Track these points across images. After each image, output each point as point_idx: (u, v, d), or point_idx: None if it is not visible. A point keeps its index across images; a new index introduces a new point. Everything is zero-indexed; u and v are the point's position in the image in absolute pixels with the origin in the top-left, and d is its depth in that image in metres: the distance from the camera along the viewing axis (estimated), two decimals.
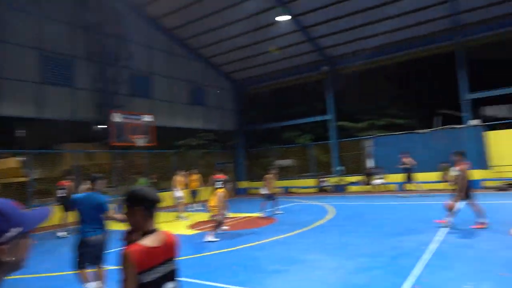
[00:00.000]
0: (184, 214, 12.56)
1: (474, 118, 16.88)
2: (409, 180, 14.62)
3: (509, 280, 4.47)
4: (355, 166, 19.42)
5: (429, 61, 19.04)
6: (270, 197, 11.74)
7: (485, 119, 17.63)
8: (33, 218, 1.16)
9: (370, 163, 18.44)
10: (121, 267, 1.77)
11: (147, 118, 16.47)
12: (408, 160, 14.77)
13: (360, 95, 22.33)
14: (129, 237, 2.02)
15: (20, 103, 13.27)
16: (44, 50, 13.98)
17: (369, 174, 17.16)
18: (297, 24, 17.12)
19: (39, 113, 13.78)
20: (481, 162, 15.75)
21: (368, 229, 8.38)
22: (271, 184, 11.83)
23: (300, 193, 19.43)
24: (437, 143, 16.92)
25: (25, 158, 14.33)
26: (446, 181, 15.33)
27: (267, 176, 11.99)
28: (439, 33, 16.50)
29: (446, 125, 17.32)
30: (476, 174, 15.45)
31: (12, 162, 16.05)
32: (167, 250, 1.93)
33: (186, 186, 13.83)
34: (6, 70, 12.92)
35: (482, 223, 7.68)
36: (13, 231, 1.09)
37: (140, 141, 15.74)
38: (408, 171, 14.56)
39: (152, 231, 1.89)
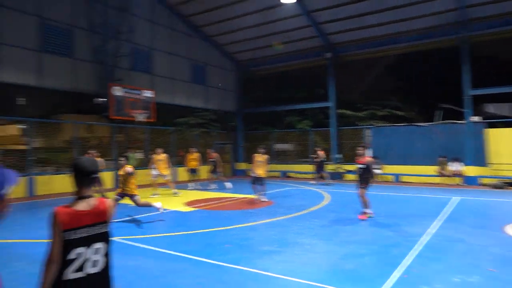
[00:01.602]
0: (158, 191, 12.77)
1: (475, 115, 16.83)
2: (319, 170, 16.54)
3: (497, 276, 4.54)
4: (353, 155, 19.43)
5: (433, 54, 18.86)
6: (256, 180, 10.97)
7: (486, 116, 17.58)
8: (12, 178, 1.27)
9: (368, 153, 18.44)
10: (49, 225, 2.05)
11: (147, 93, 16.38)
12: (321, 153, 16.45)
13: (362, 84, 22.21)
14: None
15: (20, 70, 13.14)
16: (44, 18, 13.77)
17: None
18: (301, 8, 16.83)
19: (39, 82, 13.67)
20: (480, 159, 15.80)
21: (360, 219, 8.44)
22: (257, 166, 10.93)
23: (297, 178, 19.53)
24: (436, 137, 16.94)
25: (25, 126, 14.28)
26: (442, 175, 15.49)
27: (254, 155, 11.12)
28: (444, 26, 16.26)
29: (447, 119, 17.29)
30: (474, 171, 15.57)
31: (13, 129, 16.01)
32: (97, 215, 2.14)
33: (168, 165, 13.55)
34: (5, 35, 12.74)
35: (366, 213, 8.11)
36: (8, 187, 1.21)
37: (140, 116, 15.69)
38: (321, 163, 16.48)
39: (84, 197, 2.14)
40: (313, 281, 4.36)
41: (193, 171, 14.68)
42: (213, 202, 11.02)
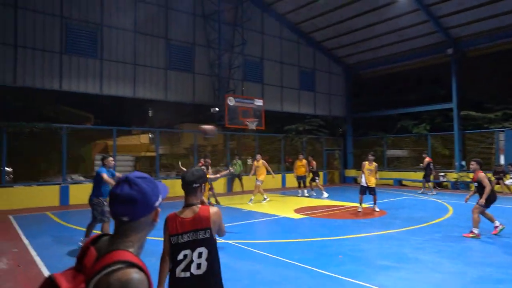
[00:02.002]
0: (255, 197, 12.56)
1: None
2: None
3: None
4: (482, 162, 17.14)
5: None
6: (365, 190, 10.26)
7: None
8: (164, 189, 1.38)
9: (501, 159, 16.10)
10: (163, 229, 2.34)
11: (258, 102, 17.08)
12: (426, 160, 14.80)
13: (492, 81, 19.45)
14: None
15: (151, 87, 15.01)
16: (169, 39, 15.48)
17: (500, 172, 14.99)
18: (417, 2, 15.56)
19: (165, 95, 15.40)
20: None
21: (497, 235, 7.35)
22: (367, 174, 10.23)
23: (413, 186, 18.06)
24: None
25: (153, 135, 16.24)
26: None
27: (363, 163, 10.44)
28: None
29: None
30: None
31: (144, 138, 18.34)
32: (199, 222, 2.31)
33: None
34: (140, 58, 14.69)
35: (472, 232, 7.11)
36: (160, 198, 1.32)
37: (251, 124, 16.44)
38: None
39: (189, 205, 2.37)
40: None
41: (300, 177, 14.65)
42: (322, 210, 10.87)
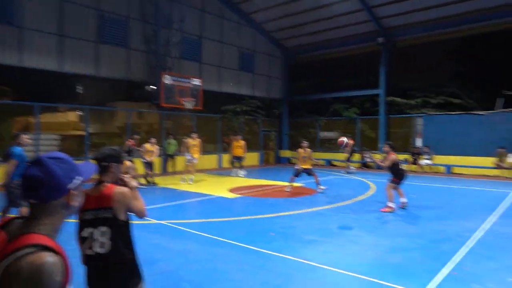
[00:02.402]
0: (188, 177, 12.52)
1: None
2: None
3: None
4: (402, 144, 18.73)
5: (497, 37, 17.43)
6: (300, 172, 10.63)
7: None
8: (87, 170, 1.36)
9: (418, 142, 17.71)
10: None
11: (195, 81, 16.79)
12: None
13: (416, 70, 21.10)
14: None
15: (79, 60, 14.01)
16: (101, 10, 14.48)
17: (417, 154, 16.52)
18: None
19: (96, 71, 14.49)
20: None
21: (409, 209, 8.18)
22: (302, 161, 10.72)
23: (342, 166, 19.20)
24: (496, 127, 15.83)
25: (82, 113, 15.28)
26: (500, 168, 14.50)
27: (299, 151, 10.94)
28: (509, 6, 14.93)
29: (509, 107, 16.05)
30: None
31: (72, 115, 17.15)
32: (100, 200, 2.29)
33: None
34: (67, 28, 13.59)
35: (388, 207, 7.90)
36: (78, 179, 1.28)
37: (188, 104, 16.16)
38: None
39: (99, 183, 2.38)
40: (358, 273, 4.34)
41: (237, 158, 14.87)
42: (256, 189, 11.18)
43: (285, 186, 11.37)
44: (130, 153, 10.93)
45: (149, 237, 5.81)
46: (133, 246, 2.39)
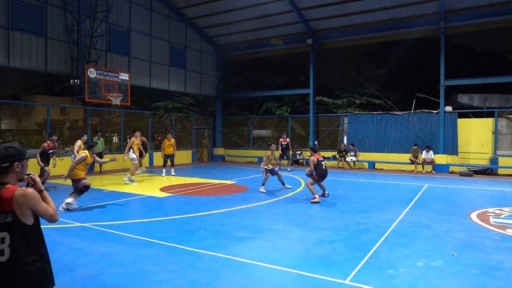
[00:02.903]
0: (133, 177, 12.14)
1: (449, 105, 17.35)
2: None
3: (458, 260, 4.76)
4: (330, 142, 19.77)
5: (413, 44, 19.13)
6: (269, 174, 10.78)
7: (458, 106, 18.13)
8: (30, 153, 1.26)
9: (345, 140, 18.79)
10: None
11: (123, 76, 16.00)
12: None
13: (342, 72, 22.38)
14: None
15: None
16: None
17: (343, 151, 17.51)
18: None
19: (8, 61, 13.10)
20: (453, 148, 16.35)
21: (336, 204, 8.64)
22: (266, 160, 10.88)
23: (273, 164, 19.64)
24: (412, 126, 17.38)
25: None
26: (414, 163, 15.95)
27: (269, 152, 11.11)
28: (425, 16, 16.48)
29: (423, 108, 17.71)
30: (445, 159, 16.12)
31: None
32: (0, 203, 2.06)
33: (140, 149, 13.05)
34: None
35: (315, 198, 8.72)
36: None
37: (116, 99, 15.35)
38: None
39: None
40: (286, 266, 4.46)
41: (168, 156, 14.35)
42: (188, 188, 10.99)
43: (217, 184, 11.31)
44: (46, 155, 10.05)
45: (70, 241, 5.39)
46: (43, 252, 2.18)
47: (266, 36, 20.17)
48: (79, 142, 11.46)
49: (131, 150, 12.19)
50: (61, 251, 4.97)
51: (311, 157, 9.14)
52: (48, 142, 10.22)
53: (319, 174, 9.02)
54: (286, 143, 16.93)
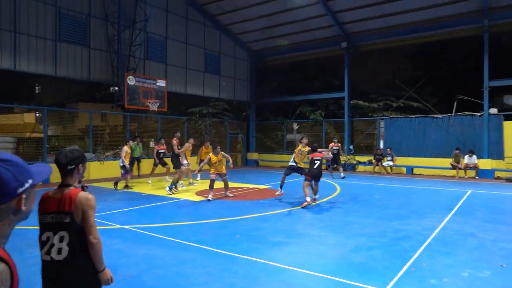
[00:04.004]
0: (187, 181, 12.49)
1: (494, 106, 16.46)
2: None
3: (509, 271, 4.50)
4: (366, 146, 19.33)
5: (453, 44, 18.42)
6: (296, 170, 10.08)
7: (504, 108, 17.18)
8: (40, 172, 1.28)
9: (381, 144, 18.32)
10: None
11: (160, 83, 16.50)
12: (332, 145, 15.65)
13: (378, 74, 21.86)
14: None
15: (37, 59, 13.36)
16: (60, 7, 13.92)
17: (379, 155, 17.07)
18: None
19: (55, 71, 13.89)
20: (498, 152, 15.52)
21: (372, 209, 8.43)
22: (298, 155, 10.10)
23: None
24: (453, 129, 16.67)
25: (40, 114, 14.59)
26: (456, 168, 15.25)
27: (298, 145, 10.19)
28: (464, 15, 15.81)
29: (464, 111, 16.95)
30: (490, 164, 15.30)
31: (29, 117, 16.36)
32: (62, 204, 2.17)
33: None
34: (23, 25, 12.94)
35: (306, 201, 8.60)
36: (29, 183, 1.20)
37: (153, 105, 15.84)
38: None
39: (62, 186, 2.25)
40: (322, 272, 4.40)
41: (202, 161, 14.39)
42: (223, 192, 11.09)
43: (252, 188, 11.36)
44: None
45: (111, 242, 5.61)
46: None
47: (300, 40, 20.12)
48: (125, 148, 11.87)
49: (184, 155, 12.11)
50: (103, 252, 5.17)
51: (311, 156, 9.20)
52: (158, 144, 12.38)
53: (310, 174, 8.97)
54: (337, 148, 15.77)
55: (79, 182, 2.34)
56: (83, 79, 15.04)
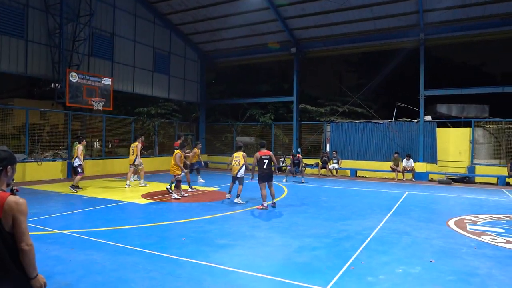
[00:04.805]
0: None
1: (428, 114, 17.77)
2: None
3: (436, 266, 4.87)
4: (313, 149, 19.95)
5: (394, 55, 19.57)
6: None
7: (437, 115, 18.59)
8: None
9: (327, 147, 18.99)
10: None
11: (106, 80, 15.82)
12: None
13: (325, 80, 22.70)
14: None
15: None
16: None
17: (326, 158, 17.68)
18: (268, 1, 16.85)
19: None
20: (432, 156, 16.73)
21: (319, 211, 8.71)
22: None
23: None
24: (393, 134, 17.71)
25: None
26: (395, 171, 16.23)
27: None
28: (403, 28, 16.93)
29: (403, 117, 18.10)
30: (425, 167, 16.47)
31: None
32: None
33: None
34: None
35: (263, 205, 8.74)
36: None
37: (97, 104, 15.15)
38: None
39: None
40: (267, 274, 4.46)
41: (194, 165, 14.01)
42: (170, 195, 10.86)
43: (199, 190, 11.22)
44: None
45: (47, 248, 5.27)
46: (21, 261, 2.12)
47: (250, 44, 20.30)
48: (81, 147, 11.38)
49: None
50: (37, 259, 4.82)
51: (256, 153, 9.00)
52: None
53: (260, 177, 8.91)
54: (298, 160, 15.78)
55: (8, 185, 2.16)
56: (18, 73, 13.98)
